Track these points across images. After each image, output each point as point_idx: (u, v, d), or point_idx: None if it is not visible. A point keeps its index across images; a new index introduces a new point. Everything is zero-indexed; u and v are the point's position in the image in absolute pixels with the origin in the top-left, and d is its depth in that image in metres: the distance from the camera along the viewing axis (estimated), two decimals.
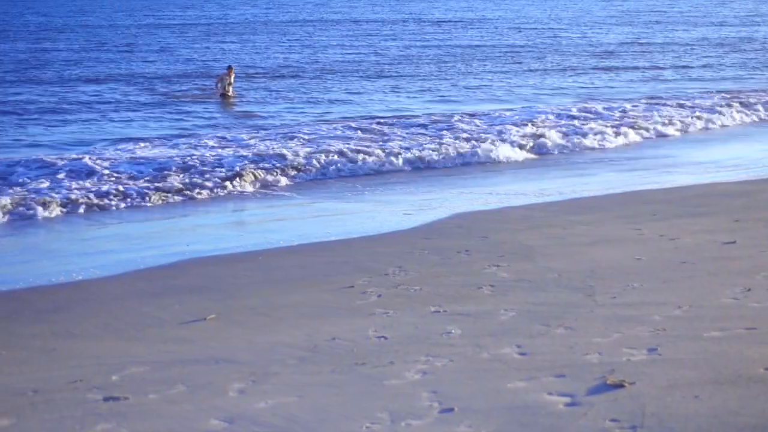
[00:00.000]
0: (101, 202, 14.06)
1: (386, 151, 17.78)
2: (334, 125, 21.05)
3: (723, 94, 25.98)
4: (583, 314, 7.58)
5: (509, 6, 68.43)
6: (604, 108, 23.31)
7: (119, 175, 15.47)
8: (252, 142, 18.81)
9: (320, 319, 7.92)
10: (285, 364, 6.68)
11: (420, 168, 17.28)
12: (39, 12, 62.52)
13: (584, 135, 19.94)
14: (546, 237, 10.97)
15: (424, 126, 20.98)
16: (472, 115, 22.23)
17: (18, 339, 7.86)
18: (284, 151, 17.29)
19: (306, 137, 19.33)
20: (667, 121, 21.71)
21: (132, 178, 15.36)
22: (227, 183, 15.28)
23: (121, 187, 14.66)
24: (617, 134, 20.24)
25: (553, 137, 19.43)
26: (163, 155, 17.28)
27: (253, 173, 15.80)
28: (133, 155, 17.36)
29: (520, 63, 34.23)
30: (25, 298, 9.27)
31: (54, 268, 10.43)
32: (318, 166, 16.67)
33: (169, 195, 14.64)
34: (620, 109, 23.10)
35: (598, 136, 19.89)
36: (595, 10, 64.52)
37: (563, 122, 21.24)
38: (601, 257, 9.71)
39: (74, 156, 17.04)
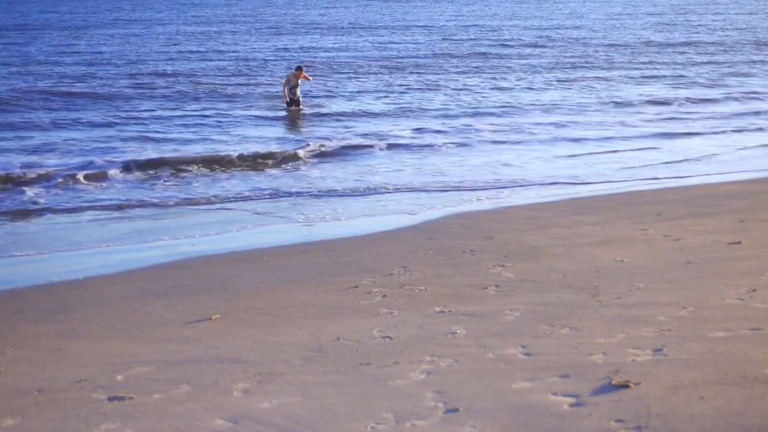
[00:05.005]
0: None
1: None
2: None
3: None
4: (588, 314, 7.57)
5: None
6: None
7: None
8: None
9: (325, 319, 7.92)
10: (290, 363, 6.68)
11: None
12: None
13: None
14: (551, 237, 10.96)
15: None
16: None
17: (23, 338, 7.86)
18: None
19: None
20: None
21: None
22: None
23: None
24: None
25: None
26: None
27: None
28: None
29: None
30: (30, 297, 9.28)
31: (59, 268, 10.45)
32: None
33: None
34: None
35: None
36: None
37: None
38: (605, 257, 9.70)
39: None
